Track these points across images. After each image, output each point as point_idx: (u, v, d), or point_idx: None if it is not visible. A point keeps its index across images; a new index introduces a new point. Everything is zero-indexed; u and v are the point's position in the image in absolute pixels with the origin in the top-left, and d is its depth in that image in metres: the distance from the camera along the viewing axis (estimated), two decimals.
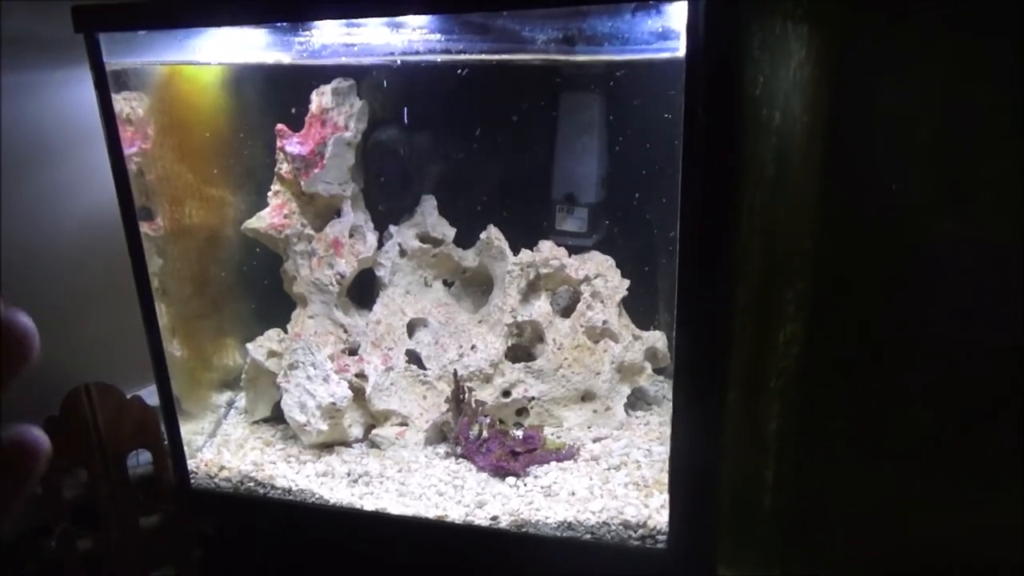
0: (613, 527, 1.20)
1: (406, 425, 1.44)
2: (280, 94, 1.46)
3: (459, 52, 1.17)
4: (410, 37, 1.17)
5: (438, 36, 1.15)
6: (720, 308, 1.08)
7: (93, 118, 1.20)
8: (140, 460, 1.41)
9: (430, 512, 1.26)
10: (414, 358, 1.49)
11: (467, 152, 1.49)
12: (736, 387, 1.12)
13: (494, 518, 1.23)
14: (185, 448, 1.36)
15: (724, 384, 1.11)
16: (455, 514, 1.25)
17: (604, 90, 1.40)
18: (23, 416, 0.34)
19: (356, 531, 1.32)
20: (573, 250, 1.49)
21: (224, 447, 1.45)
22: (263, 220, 1.44)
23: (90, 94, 1.18)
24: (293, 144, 1.40)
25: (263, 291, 1.57)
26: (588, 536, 1.20)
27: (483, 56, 1.18)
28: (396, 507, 1.27)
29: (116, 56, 1.18)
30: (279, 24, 1.21)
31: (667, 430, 1.39)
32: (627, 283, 1.48)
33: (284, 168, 1.42)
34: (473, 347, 1.48)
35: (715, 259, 1.05)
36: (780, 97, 0.98)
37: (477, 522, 1.23)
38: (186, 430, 1.38)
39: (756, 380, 1.10)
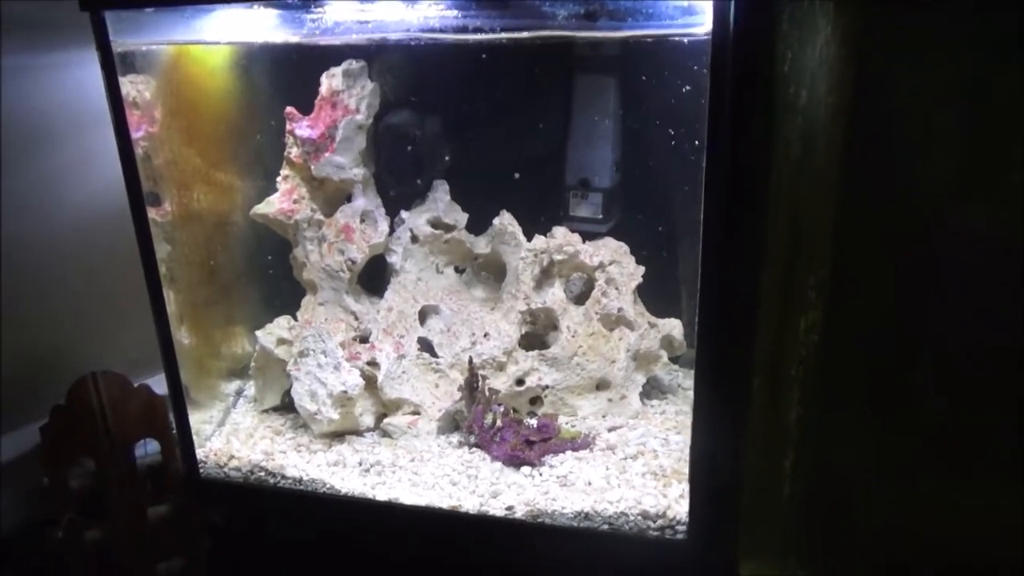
0: (631, 517, 1.18)
1: (418, 414, 1.42)
2: (290, 76, 1.43)
3: (475, 30, 1.14)
4: (425, 14, 1.14)
5: (455, 12, 1.12)
6: (745, 294, 1.05)
7: (99, 101, 1.17)
8: (148, 449, 1.39)
9: (444, 502, 1.24)
10: (426, 346, 1.47)
11: (480, 136, 1.47)
12: (757, 375, 1.10)
13: (509, 508, 1.21)
14: (194, 437, 1.34)
15: (748, 373, 1.09)
16: (469, 504, 1.23)
17: (620, 71, 1.37)
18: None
19: (368, 521, 1.30)
20: (587, 236, 1.47)
21: (233, 436, 1.43)
22: (272, 205, 1.42)
23: (95, 77, 1.15)
24: (303, 127, 1.37)
25: (272, 278, 1.55)
26: (606, 526, 1.18)
27: (500, 35, 1.15)
28: (409, 497, 1.25)
29: (122, 36, 1.16)
30: (290, 1, 1.18)
31: (683, 419, 1.38)
32: (642, 270, 1.46)
33: (294, 152, 1.40)
34: (486, 335, 1.46)
35: (740, 244, 1.02)
36: (807, 75, 0.95)
37: (492, 512, 1.21)
38: (195, 419, 1.36)
39: (776, 368, 1.08)
